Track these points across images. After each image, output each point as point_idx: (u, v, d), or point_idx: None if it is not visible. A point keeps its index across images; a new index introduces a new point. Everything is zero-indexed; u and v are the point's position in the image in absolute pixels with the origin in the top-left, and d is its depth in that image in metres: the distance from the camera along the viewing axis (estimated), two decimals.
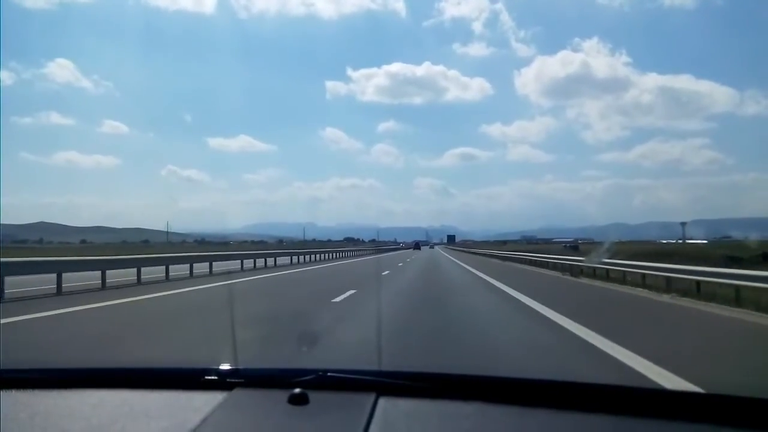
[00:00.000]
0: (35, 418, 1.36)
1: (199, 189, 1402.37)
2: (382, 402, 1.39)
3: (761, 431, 1.27)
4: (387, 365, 1.62)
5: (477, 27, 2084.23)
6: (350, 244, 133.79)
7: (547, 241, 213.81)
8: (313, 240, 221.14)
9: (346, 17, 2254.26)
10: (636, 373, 5.10)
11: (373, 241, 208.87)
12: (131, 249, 59.05)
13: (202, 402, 1.40)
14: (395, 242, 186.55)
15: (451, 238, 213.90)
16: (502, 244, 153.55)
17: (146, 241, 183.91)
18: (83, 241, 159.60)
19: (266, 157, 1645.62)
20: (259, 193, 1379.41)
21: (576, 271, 21.71)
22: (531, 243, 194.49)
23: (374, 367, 1.58)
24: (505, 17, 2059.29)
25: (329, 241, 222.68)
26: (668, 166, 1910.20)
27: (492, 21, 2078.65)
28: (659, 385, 3.88)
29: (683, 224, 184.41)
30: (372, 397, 1.41)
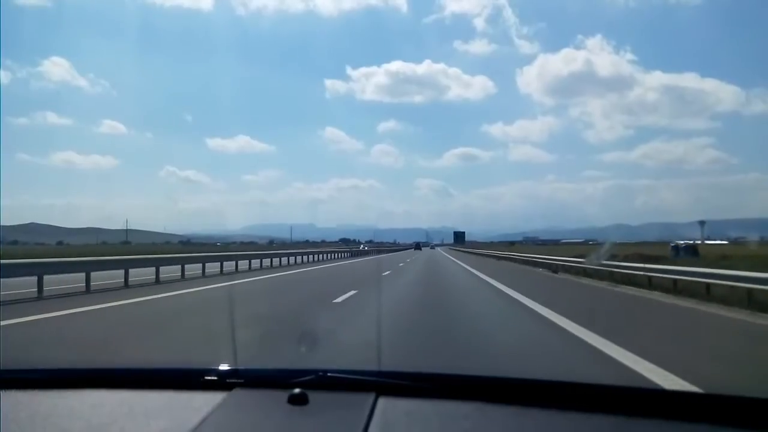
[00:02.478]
0: (35, 418, 1.39)
1: (198, 190, 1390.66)
2: (382, 402, 1.41)
3: (761, 431, 1.29)
4: (386, 365, 1.65)
5: (479, 23, 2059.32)
6: (343, 245, 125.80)
7: (556, 242, 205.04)
8: (306, 241, 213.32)
9: (346, 13, 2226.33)
10: None
11: (370, 242, 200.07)
12: (109, 250, 54.94)
13: (202, 402, 1.42)
14: (368, 242, 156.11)
15: (459, 237, 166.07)
16: (509, 245, 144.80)
17: (127, 242, 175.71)
18: (60, 243, 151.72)
19: (265, 157, 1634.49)
20: (259, 194, 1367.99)
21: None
22: (539, 244, 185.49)
23: (374, 368, 1.60)
24: (508, 13, 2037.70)
25: (323, 241, 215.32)
26: (671, 166, 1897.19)
27: (494, 17, 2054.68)
28: (659, 384, 4.08)
29: (702, 223, 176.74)
30: (371, 397, 1.43)
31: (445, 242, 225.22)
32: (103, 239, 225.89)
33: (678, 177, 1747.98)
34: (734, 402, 1.36)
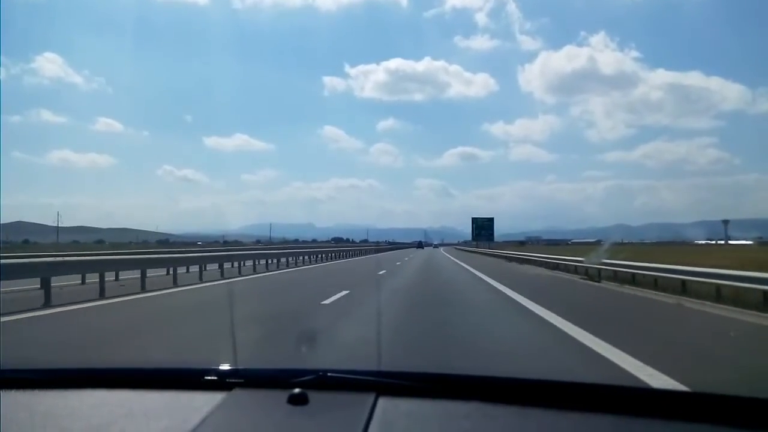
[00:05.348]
0: (35, 418, 1.39)
1: (195, 189, 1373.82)
2: (382, 402, 1.42)
3: (762, 431, 1.31)
4: (387, 365, 1.65)
5: (480, 18, 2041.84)
6: (334, 245, 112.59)
7: (566, 242, 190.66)
8: (296, 240, 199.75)
9: (344, 8, 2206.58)
10: None
11: (365, 241, 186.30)
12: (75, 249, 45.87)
13: (202, 402, 1.43)
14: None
15: (482, 229, 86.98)
16: (519, 245, 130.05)
17: (100, 241, 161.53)
18: (26, 241, 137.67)
19: (264, 156, 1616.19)
20: (257, 194, 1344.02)
21: None
22: (551, 244, 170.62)
23: (374, 367, 1.60)
24: (511, 7, 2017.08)
25: (314, 241, 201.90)
26: (673, 166, 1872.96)
27: (496, 12, 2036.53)
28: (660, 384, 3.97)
29: (725, 222, 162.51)
30: (372, 397, 1.44)
31: (445, 242, 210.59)
32: (96, 238, 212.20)
33: (679, 177, 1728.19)
34: (735, 402, 1.36)
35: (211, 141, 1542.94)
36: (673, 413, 1.34)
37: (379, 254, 58.36)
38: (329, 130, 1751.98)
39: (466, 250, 78.57)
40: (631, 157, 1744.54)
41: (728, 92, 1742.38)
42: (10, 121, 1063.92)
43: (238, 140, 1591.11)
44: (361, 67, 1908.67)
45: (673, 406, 1.38)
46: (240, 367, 1.61)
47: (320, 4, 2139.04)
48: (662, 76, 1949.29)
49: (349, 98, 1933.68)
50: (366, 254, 57.28)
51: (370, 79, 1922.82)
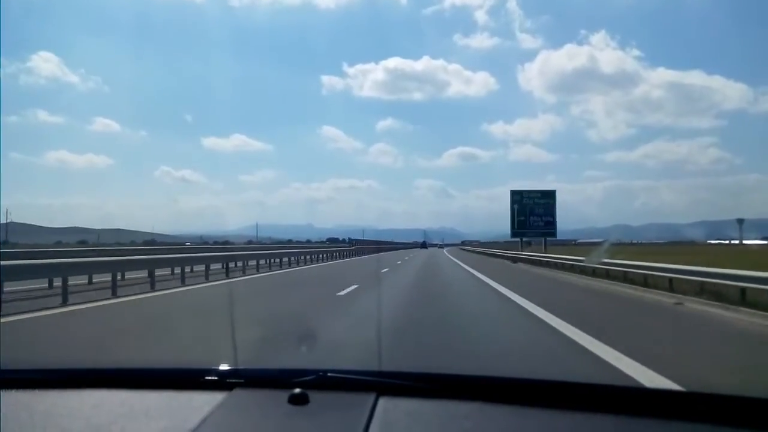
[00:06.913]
0: (35, 418, 1.39)
1: (194, 190, 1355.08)
2: (383, 402, 1.42)
3: (761, 431, 1.31)
4: (387, 365, 1.66)
5: (480, 16, 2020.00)
6: (326, 245, 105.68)
7: (574, 242, 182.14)
8: (289, 241, 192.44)
9: (342, 6, 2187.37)
10: None
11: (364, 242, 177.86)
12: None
13: (202, 402, 1.43)
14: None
15: (535, 222, 45.53)
16: (526, 245, 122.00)
17: (83, 242, 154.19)
18: (6, 242, 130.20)
19: (262, 156, 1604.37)
20: (256, 194, 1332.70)
21: None
22: (558, 244, 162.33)
23: (374, 368, 1.61)
24: (511, 5, 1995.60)
25: (308, 241, 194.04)
26: (674, 166, 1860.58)
27: (496, 9, 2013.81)
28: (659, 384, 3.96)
29: (740, 221, 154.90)
30: (372, 397, 1.44)
31: (446, 242, 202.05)
32: (87, 238, 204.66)
33: (680, 177, 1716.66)
34: (733, 402, 1.37)
35: (209, 141, 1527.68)
36: (673, 413, 1.34)
37: (365, 256, 50.79)
38: (328, 130, 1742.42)
39: (500, 255, 47.41)
40: (632, 157, 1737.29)
41: (730, 91, 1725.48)
42: (7, 122, 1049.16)
43: (236, 141, 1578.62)
44: (360, 66, 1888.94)
45: (673, 406, 1.38)
46: (240, 367, 1.61)
47: (318, 2, 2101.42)
48: (663, 75, 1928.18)
49: (347, 98, 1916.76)
50: (351, 256, 48.85)
51: (368, 78, 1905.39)
